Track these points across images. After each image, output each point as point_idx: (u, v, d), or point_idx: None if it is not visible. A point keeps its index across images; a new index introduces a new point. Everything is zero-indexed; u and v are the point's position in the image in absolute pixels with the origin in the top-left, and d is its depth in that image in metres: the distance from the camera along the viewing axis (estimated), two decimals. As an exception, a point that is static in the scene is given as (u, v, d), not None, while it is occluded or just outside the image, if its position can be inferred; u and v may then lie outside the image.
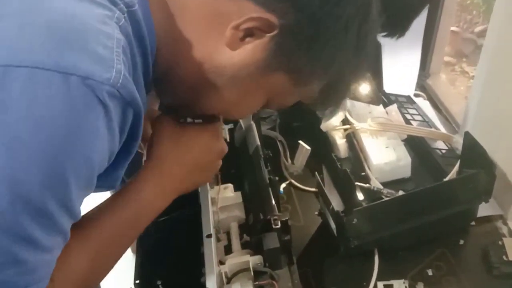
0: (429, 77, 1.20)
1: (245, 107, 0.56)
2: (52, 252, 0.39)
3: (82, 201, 0.41)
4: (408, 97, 1.04)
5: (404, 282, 0.69)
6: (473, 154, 0.72)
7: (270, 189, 0.70)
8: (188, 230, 0.72)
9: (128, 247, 0.54)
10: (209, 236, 0.62)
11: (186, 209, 0.70)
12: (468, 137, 0.71)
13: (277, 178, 0.72)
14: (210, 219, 0.64)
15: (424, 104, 1.05)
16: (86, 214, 0.48)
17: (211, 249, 0.60)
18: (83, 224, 0.44)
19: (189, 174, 0.57)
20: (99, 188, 0.45)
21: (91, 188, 0.41)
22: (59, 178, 0.36)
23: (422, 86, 1.19)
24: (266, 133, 0.97)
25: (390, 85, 1.03)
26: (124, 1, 0.42)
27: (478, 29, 2.71)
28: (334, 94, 0.56)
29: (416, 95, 1.09)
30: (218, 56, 0.47)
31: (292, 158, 0.92)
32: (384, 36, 0.76)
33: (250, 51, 0.47)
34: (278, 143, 0.96)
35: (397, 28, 0.74)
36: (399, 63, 1.11)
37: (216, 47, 0.47)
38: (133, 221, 0.52)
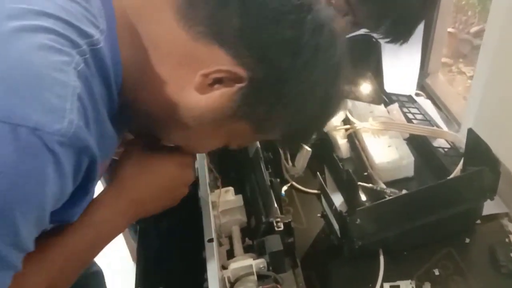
0: (428, 76, 1.19)
1: (206, 146, 0.58)
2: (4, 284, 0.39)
3: (36, 234, 0.42)
4: (409, 97, 1.03)
5: (411, 283, 0.68)
6: (477, 151, 0.71)
7: (271, 191, 0.69)
8: (189, 235, 0.70)
9: (87, 264, 0.54)
10: (211, 240, 0.60)
11: (187, 214, 0.69)
12: (471, 134, 0.70)
13: (278, 180, 0.71)
14: (211, 223, 0.63)
15: (425, 103, 1.04)
16: (46, 232, 0.47)
17: (213, 253, 0.59)
18: (41, 244, 0.44)
19: (152, 199, 0.57)
20: (57, 222, 0.46)
21: (44, 225, 0.42)
22: (8, 223, 0.37)
23: (421, 85, 1.18)
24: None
25: (391, 85, 1.03)
26: (87, 40, 0.42)
27: (474, 29, 2.71)
28: (298, 139, 0.59)
29: (417, 95, 1.08)
30: (186, 96, 0.48)
31: (293, 160, 0.90)
32: (388, 42, 0.76)
33: (217, 97, 0.47)
34: (279, 145, 0.94)
35: (400, 34, 0.73)
36: (400, 63, 1.11)
37: (185, 88, 0.47)
38: (91, 241, 0.52)
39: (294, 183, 0.88)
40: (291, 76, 0.47)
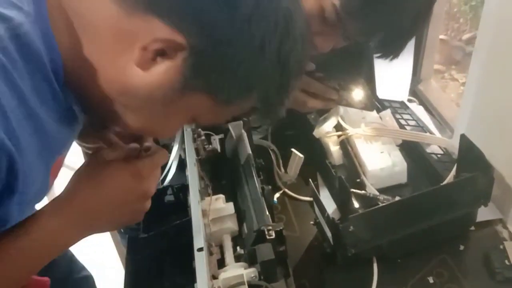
0: (421, 82, 1.19)
1: (167, 127, 0.54)
2: None
3: None
4: (402, 103, 1.03)
5: (405, 291, 0.67)
6: (470, 157, 0.70)
7: (263, 198, 0.68)
8: (178, 244, 0.69)
9: (33, 273, 0.52)
10: (201, 249, 0.59)
11: (176, 222, 0.67)
12: (464, 139, 0.70)
13: (270, 187, 0.70)
14: (201, 232, 0.61)
15: (417, 109, 1.04)
16: None
17: (203, 263, 0.57)
18: None
19: (104, 213, 0.54)
20: None
21: None
22: None
23: (413, 92, 1.18)
24: (258, 142, 0.95)
25: (383, 91, 1.02)
26: (5, 25, 0.39)
27: (465, 36, 2.73)
28: (267, 112, 0.54)
29: (409, 101, 1.07)
30: (129, 76, 0.45)
31: (285, 167, 0.90)
32: (378, 57, 0.75)
33: (162, 71, 0.44)
34: (271, 152, 0.93)
35: (390, 50, 0.73)
36: (392, 69, 1.10)
37: (126, 68, 0.44)
38: (36, 250, 0.50)
39: (286, 190, 0.87)
40: (233, 34, 0.43)
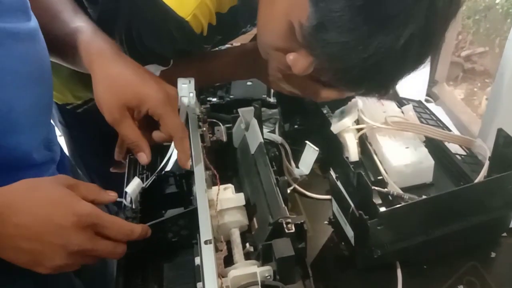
0: (436, 84, 1.14)
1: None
2: None
3: None
4: (419, 102, 0.97)
5: (433, 301, 0.59)
6: (507, 154, 0.64)
7: (278, 190, 0.60)
8: (178, 238, 0.61)
9: None
10: (209, 242, 0.51)
11: (178, 213, 0.59)
12: (502, 134, 0.63)
13: (285, 178, 0.62)
14: (209, 223, 0.53)
15: (435, 109, 0.98)
16: None
17: (211, 258, 0.49)
18: None
19: (15, 239, 0.47)
20: None
21: None
22: None
23: (428, 94, 1.12)
24: (266, 136, 0.88)
25: (400, 90, 0.96)
26: None
27: (464, 53, 2.72)
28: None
29: (426, 101, 1.01)
30: None
31: (295, 162, 0.82)
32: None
33: None
34: (280, 146, 0.86)
35: (375, 93, 0.66)
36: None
37: None
38: None
39: (297, 186, 0.79)
40: None
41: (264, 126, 0.92)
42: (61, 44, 0.64)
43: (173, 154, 0.74)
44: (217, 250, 0.58)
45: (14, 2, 0.52)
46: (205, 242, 0.51)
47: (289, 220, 0.53)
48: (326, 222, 0.72)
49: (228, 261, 0.58)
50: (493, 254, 0.66)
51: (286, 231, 0.52)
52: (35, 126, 0.57)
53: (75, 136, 1.05)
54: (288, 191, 0.78)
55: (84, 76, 0.93)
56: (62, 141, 1.07)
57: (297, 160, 0.82)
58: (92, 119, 1.02)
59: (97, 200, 0.55)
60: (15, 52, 0.52)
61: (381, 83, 0.60)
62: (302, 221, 0.53)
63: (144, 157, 0.63)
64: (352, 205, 0.58)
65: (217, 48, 1.13)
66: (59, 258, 0.49)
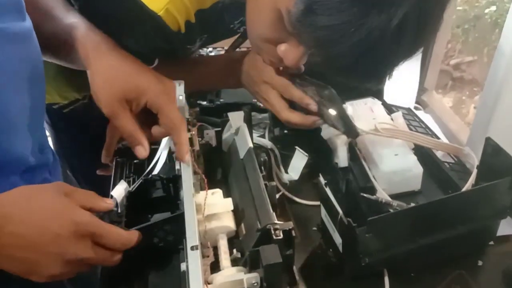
0: (426, 92, 1.14)
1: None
2: None
3: None
4: (409, 109, 0.97)
5: (420, 309, 0.59)
6: (495, 163, 0.64)
7: (266, 195, 0.60)
8: (163, 243, 0.60)
9: None
10: (195, 247, 0.50)
11: (164, 218, 0.58)
12: (490, 143, 0.63)
13: (274, 183, 0.62)
14: (195, 228, 0.52)
15: (424, 117, 0.98)
16: None
17: (197, 263, 0.48)
18: None
19: (9, 248, 0.46)
20: None
21: None
22: None
23: (417, 101, 1.13)
24: (256, 140, 0.87)
25: (389, 97, 0.96)
26: None
27: (453, 61, 2.75)
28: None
29: (415, 108, 1.02)
30: None
31: (285, 167, 0.82)
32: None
33: None
34: (269, 151, 0.85)
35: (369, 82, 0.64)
36: (399, 76, 1.05)
37: None
38: None
39: (286, 192, 0.78)
40: None
41: (253, 131, 0.92)
42: (55, 41, 0.63)
43: (160, 158, 0.73)
44: (203, 256, 0.58)
45: (9, 2, 0.51)
46: (192, 248, 0.50)
47: (277, 226, 0.52)
48: (314, 228, 0.71)
49: (215, 267, 0.57)
50: (480, 263, 0.66)
51: (274, 237, 0.51)
52: (30, 128, 0.55)
53: (61, 137, 1.03)
54: (277, 196, 0.78)
55: (71, 76, 0.92)
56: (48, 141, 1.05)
57: (286, 165, 0.82)
58: (78, 120, 1.01)
59: (94, 209, 0.54)
60: (10, 53, 0.51)
61: (375, 70, 0.59)
62: (290, 227, 0.52)
63: (142, 150, 0.63)
64: (341, 212, 0.58)
65: (206, 50, 1.12)
66: (55, 267, 0.48)
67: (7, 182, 0.49)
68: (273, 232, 0.52)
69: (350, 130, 0.70)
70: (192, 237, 0.51)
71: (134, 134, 0.62)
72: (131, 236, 0.54)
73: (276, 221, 0.53)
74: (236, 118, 0.71)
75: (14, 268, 0.48)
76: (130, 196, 0.62)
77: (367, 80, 0.62)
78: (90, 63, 0.61)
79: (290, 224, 0.52)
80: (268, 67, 0.74)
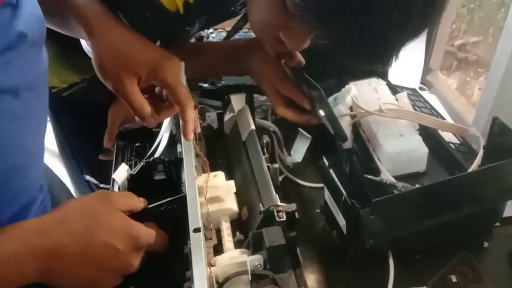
0: (431, 72, 1.12)
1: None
2: None
3: None
4: (414, 90, 0.95)
5: (426, 291, 0.59)
6: (502, 143, 0.63)
7: (269, 177, 0.59)
8: (166, 227, 0.59)
9: None
10: (197, 230, 0.50)
11: (166, 200, 0.58)
12: (497, 122, 0.62)
13: (277, 165, 0.61)
14: (198, 210, 0.52)
15: (429, 98, 0.96)
16: None
17: (200, 245, 0.48)
18: None
19: (71, 260, 0.47)
20: None
21: None
22: None
23: (422, 82, 1.11)
24: (258, 123, 0.86)
25: (394, 77, 0.95)
26: None
27: (458, 42, 2.70)
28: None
29: (420, 89, 1.00)
30: None
31: (288, 150, 0.81)
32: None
33: None
34: (272, 133, 0.84)
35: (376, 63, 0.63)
36: (404, 56, 1.03)
37: None
38: None
39: (289, 174, 0.78)
40: None
41: (256, 113, 0.90)
42: (58, 9, 0.61)
43: (162, 140, 0.72)
44: (206, 238, 0.57)
45: (37, 38, 0.49)
46: (194, 231, 0.50)
47: (280, 208, 0.51)
48: (318, 210, 0.70)
49: (218, 249, 0.57)
50: (485, 244, 0.65)
51: (277, 219, 0.51)
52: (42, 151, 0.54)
53: (61, 122, 1.02)
54: (280, 179, 0.77)
55: (70, 59, 0.90)
56: (49, 127, 1.04)
57: (289, 147, 0.81)
58: (78, 104, 1.00)
59: (134, 210, 0.54)
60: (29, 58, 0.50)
61: (381, 52, 0.57)
62: (293, 209, 0.51)
63: (152, 121, 0.62)
64: (345, 193, 0.57)
65: (207, 32, 1.10)
66: (116, 280, 0.50)
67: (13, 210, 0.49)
68: (276, 214, 0.51)
69: (337, 133, 0.69)
70: (194, 220, 0.51)
71: (143, 105, 0.60)
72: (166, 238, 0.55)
73: (279, 203, 0.52)
74: (237, 100, 0.70)
75: (75, 285, 0.49)
76: (131, 179, 0.62)
77: (373, 61, 0.61)
78: (93, 33, 0.59)
79: (293, 206, 0.52)
80: (268, 64, 0.73)
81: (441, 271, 0.61)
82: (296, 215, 0.51)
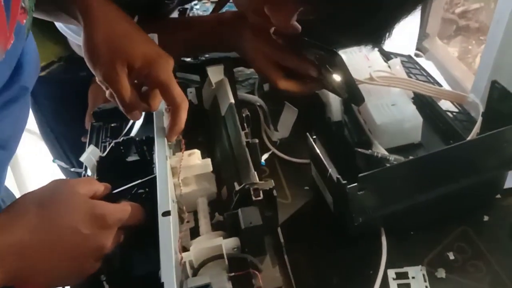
0: (428, 37, 1.06)
1: None
2: None
3: None
4: (409, 57, 0.90)
5: (421, 269, 0.54)
6: (502, 109, 0.58)
7: (248, 154, 0.54)
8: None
9: None
10: (167, 213, 0.45)
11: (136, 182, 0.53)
12: (496, 86, 0.57)
13: (257, 141, 0.56)
14: (168, 193, 0.47)
15: (426, 64, 0.91)
16: None
17: (168, 230, 0.44)
18: None
19: (42, 255, 0.43)
20: None
21: None
22: None
23: (418, 48, 1.05)
24: (244, 97, 0.81)
25: (388, 44, 0.89)
26: None
27: (458, 10, 2.61)
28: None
29: (416, 55, 0.94)
30: None
31: (275, 125, 0.76)
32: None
33: None
34: (258, 108, 0.80)
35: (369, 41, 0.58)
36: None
37: None
38: None
39: (276, 151, 0.73)
40: None
41: (242, 87, 0.86)
42: None
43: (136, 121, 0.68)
44: (183, 221, 0.53)
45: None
46: (163, 214, 0.45)
47: (257, 187, 0.47)
48: (307, 187, 0.66)
49: (195, 232, 0.53)
50: (486, 218, 0.61)
51: (254, 198, 0.46)
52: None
53: (40, 103, 0.98)
54: (266, 155, 0.73)
55: (45, 36, 0.86)
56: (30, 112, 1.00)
57: (276, 122, 0.76)
58: (56, 84, 0.96)
59: (96, 196, 0.50)
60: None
61: (376, 28, 0.53)
62: (271, 187, 0.47)
63: (138, 114, 0.57)
64: (330, 169, 0.52)
65: (189, 6, 1.05)
66: (97, 263, 0.47)
67: None
68: (252, 192, 0.47)
69: (355, 96, 0.64)
70: (163, 202, 0.46)
71: (133, 101, 0.55)
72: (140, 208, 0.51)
73: (257, 181, 0.48)
74: (215, 72, 0.65)
75: (53, 279, 0.46)
76: (101, 161, 0.57)
77: (365, 40, 0.56)
78: (90, 13, 0.53)
79: (270, 184, 0.47)
80: (259, 37, 0.68)
81: (437, 248, 0.57)
82: (274, 193, 0.47)
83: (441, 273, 0.54)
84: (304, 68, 0.66)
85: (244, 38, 0.71)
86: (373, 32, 0.54)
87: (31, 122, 1.06)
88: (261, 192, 0.47)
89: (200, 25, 0.79)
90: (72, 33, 0.72)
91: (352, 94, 0.64)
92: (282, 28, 0.60)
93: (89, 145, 0.68)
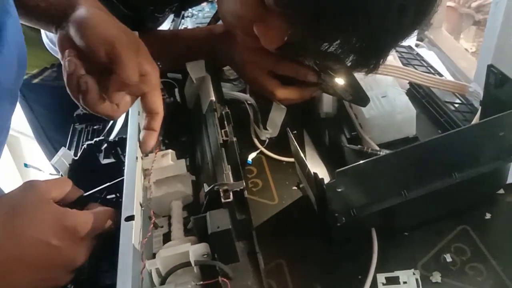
0: (430, 27, 1.01)
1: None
2: None
3: None
4: (409, 47, 0.85)
5: (414, 273, 0.50)
6: (501, 95, 0.53)
7: (224, 152, 0.51)
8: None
9: None
10: (130, 218, 0.42)
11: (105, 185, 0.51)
12: (493, 71, 0.52)
13: (235, 139, 0.53)
14: (134, 195, 0.44)
15: (427, 55, 0.86)
16: None
17: (130, 236, 0.41)
18: None
19: (10, 271, 0.41)
20: None
21: None
22: None
23: (420, 38, 1.00)
24: (234, 96, 0.78)
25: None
26: None
27: (475, 4, 2.53)
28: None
29: (416, 45, 0.89)
30: None
31: (265, 124, 0.73)
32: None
33: None
34: (248, 106, 0.76)
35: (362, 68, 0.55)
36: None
37: None
38: None
39: (264, 150, 0.70)
40: None
41: (232, 85, 0.83)
42: None
43: (117, 121, 0.65)
44: (156, 226, 0.50)
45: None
46: (126, 219, 0.42)
47: (227, 188, 0.44)
48: (294, 187, 0.62)
49: (169, 238, 0.50)
50: (487, 216, 0.56)
51: (223, 200, 0.43)
52: None
53: (34, 109, 0.98)
54: (254, 154, 0.70)
55: (38, 44, 0.85)
56: (21, 113, 1.00)
57: (265, 119, 0.73)
58: (49, 91, 0.95)
59: (69, 198, 0.48)
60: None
61: (371, 54, 0.51)
62: (241, 187, 0.43)
63: (119, 112, 0.53)
64: (308, 165, 0.48)
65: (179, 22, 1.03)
66: (70, 274, 0.45)
67: None
68: (222, 194, 0.43)
69: (361, 98, 0.60)
70: (127, 206, 0.43)
71: (135, 70, 0.50)
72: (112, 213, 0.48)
73: (225, 181, 0.44)
74: (195, 68, 0.62)
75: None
76: (74, 164, 0.55)
77: (359, 66, 0.54)
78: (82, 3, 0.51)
79: (241, 184, 0.44)
80: (251, 49, 0.65)
81: (433, 249, 0.53)
82: (245, 194, 0.44)
83: (437, 277, 0.50)
84: (303, 74, 0.63)
85: (236, 52, 0.67)
86: (368, 59, 0.52)
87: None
88: (231, 193, 0.43)
89: (190, 38, 0.77)
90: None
91: (356, 95, 0.60)
92: (272, 50, 0.57)
93: (69, 148, 0.66)
